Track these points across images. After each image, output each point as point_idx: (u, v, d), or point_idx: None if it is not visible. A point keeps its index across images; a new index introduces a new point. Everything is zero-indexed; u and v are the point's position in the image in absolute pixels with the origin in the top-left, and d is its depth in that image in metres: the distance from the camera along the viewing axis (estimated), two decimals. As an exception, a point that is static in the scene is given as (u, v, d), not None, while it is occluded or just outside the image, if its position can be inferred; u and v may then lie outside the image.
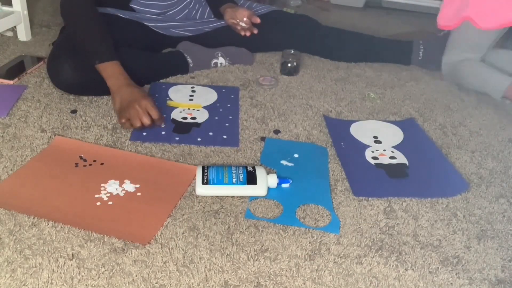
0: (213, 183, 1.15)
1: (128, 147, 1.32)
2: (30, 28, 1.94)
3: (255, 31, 1.80)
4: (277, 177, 1.19)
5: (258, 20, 1.79)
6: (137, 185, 1.17)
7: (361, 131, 1.47)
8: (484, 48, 1.79)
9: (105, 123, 1.41)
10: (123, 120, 1.35)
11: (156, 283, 0.92)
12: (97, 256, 0.97)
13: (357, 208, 1.16)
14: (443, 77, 1.84)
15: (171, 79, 1.70)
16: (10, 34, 1.94)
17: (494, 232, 1.12)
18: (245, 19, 1.79)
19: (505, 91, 1.66)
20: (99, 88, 1.52)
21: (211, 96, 1.60)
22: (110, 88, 1.41)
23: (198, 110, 1.52)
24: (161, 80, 1.68)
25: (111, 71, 1.42)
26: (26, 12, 1.90)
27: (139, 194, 1.15)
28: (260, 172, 1.18)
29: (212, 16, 1.87)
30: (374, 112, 1.59)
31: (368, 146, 1.40)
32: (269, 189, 1.18)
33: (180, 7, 1.80)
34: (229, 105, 1.56)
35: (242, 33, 1.80)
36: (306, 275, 0.97)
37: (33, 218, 1.05)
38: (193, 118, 1.47)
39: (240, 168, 1.19)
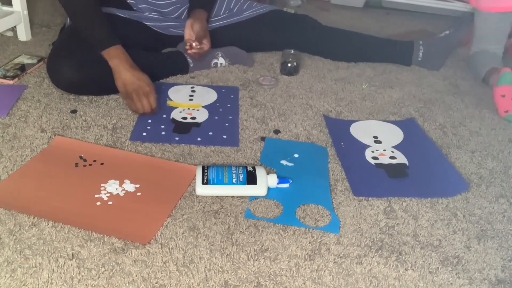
0: (213, 183, 1.15)
1: (128, 147, 1.32)
2: (30, 28, 1.94)
3: (202, 54, 1.69)
4: (277, 177, 1.19)
5: (207, 47, 1.67)
6: (137, 185, 1.17)
7: (361, 131, 1.47)
8: (503, 37, 1.85)
9: (105, 123, 1.41)
10: (133, 107, 1.44)
11: (156, 283, 0.92)
12: (97, 256, 0.97)
13: (357, 208, 1.16)
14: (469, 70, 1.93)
15: (171, 79, 1.70)
16: (10, 34, 1.94)
17: (494, 232, 1.12)
18: (201, 40, 1.65)
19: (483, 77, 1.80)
20: (99, 87, 1.53)
21: (211, 96, 1.60)
22: (113, 70, 1.44)
23: (198, 110, 1.52)
24: (161, 80, 1.68)
25: (113, 54, 1.45)
26: (26, 12, 1.90)
27: (139, 194, 1.15)
28: (260, 172, 1.18)
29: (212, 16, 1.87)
30: (374, 112, 1.59)
31: (368, 146, 1.40)
32: (269, 189, 1.18)
33: (179, 4, 1.79)
34: (229, 105, 1.56)
35: (189, 51, 1.67)
36: (306, 275, 0.97)
37: (33, 218, 1.05)
38: (193, 118, 1.47)
39: (240, 168, 1.19)
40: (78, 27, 1.53)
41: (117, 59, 1.45)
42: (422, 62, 1.92)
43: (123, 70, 1.43)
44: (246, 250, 1.01)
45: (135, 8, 1.72)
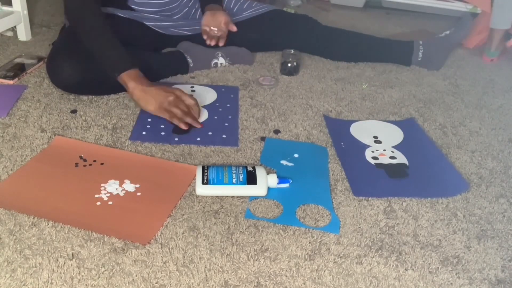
0: (213, 183, 1.15)
1: (128, 147, 1.32)
2: (30, 28, 1.94)
3: (221, 44, 1.77)
4: (277, 177, 1.19)
5: (234, 28, 1.78)
6: (137, 185, 1.17)
7: (361, 131, 1.47)
8: None
9: (105, 123, 1.41)
10: (183, 125, 1.36)
11: (156, 283, 0.92)
12: (97, 256, 0.97)
13: (357, 208, 1.16)
14: None
15: (171, 79, 1.70)
16: (10, 34, 1.94)
17: (494, 232, 1.12)
18: (222, 25, 1.76)
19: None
20: (99, 87, 1.53)
21: (211, 96, 1.60)
22: (133, 94, 1.37)
23: (198, 110, 1.52)
24: (161, 80, 1.68)
25: (129, 77, 1.38)
26: (26, 12, 1.90)
27: (139, 194, 1.15)
28: (260, 172, 1.18)
29: None
30: (374, 112, 1.59)
31: (368, 146, 1.40)
32: (269, 189, 1.18)
33: (179, 4, 1.79)
34: (228, 105, 1.56)
35: (208, 42, 1.75)
36: (306, 275, 0.97)
37: (33, 218, 1.05)
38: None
39: (240, 168, 1.19)
40: (92, 49, 1.44)
41: (135, 82, 1.36)
42: (422, 62, 1.92)
43: (148, 90, 1.36)
44: (246, 250, 1.01)
45: (134, 7, 1.71)
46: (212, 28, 1.78)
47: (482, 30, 2.12)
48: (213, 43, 1.77)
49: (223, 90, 1.65)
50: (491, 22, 2.01)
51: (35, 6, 2.26)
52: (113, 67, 1.40)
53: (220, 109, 1.53)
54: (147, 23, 1.73)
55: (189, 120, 1.38)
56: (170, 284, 0.92)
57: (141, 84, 1.37)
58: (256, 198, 1.16)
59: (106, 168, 1.22)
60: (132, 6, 1.71)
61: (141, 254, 0.98)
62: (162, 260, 0.97)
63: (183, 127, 1.37)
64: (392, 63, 1.94)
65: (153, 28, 1.74)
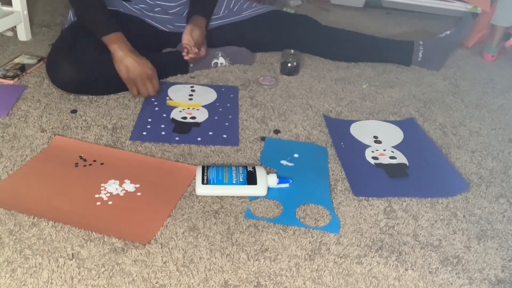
0: (213, 183, 1.15)
1: (128, 147, 1.32)
2: (30, 28, 1.94)
3: (186, 58, 1.66)
4: (277, 177, 1.19)
5: (203, 53, 1.69)
6: (137, 185, 1.17)
7: (361, 131, 1.47)
8: None
9: (105, 123, 1.41)
10: (135, 92, 1.50)
11: (156, 283, 0.92)
12: (97, 256, 0.97)
13: (357, 208, 1.16)
14: None
15: (171, 79, 1.70)
16: (10, 34, 1.94)
17: (494, 232, 1.12)
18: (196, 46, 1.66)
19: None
20: (99, 86, 1.53)
21: (211, 96, 1.60)
22: (113, 55, 1.48)
23: (197, 110, 1.52)
24: (161, 80, 1.67)
25: (114, 39, 1.48)
26: (26, 12, 1.90)
27: (139, 194, 1.15)
28: (260, 172, 1.18)
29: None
30: (374, 112, 1.59)
31: (368, 146, 1.40)
32: (269, 189, 1.18)
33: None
34: (228, 105, 1.56)
35: (185, 57, 1.66)
36: (306, 275, 0.97)
37: (33, 218, 1.05)
38: (193, 117, 1.47)
39: (240, 168, 1.19)
40: (81, 14, 1.58)
41: (117, 44, 1.47)
42: (422, 62, 1.92)
43: (125, 56, 1.46)
44: (246, 250, 1.01)
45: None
46: (193, 48, 1.67)
47: (482, 28, 2.13)
48: (190, 59, 1.68)
49: (223, 90, 1.64)
50: (493, 18, 2.02)
51: (35, 6, 2.26)
52: (99, 29, 1.51)
53: (220, 109, 1.53)
54: (145, 19, 1.72)
55: (151, 92, 1.51)
56: (170, 284, 0.92)
57: (121, 49, 1.47)
58: (256, 198, 1.16)
59: (106, 168, 1.22)
60: None
61: (141, 254, 0.98)
62: (162, 260, 0.97)
63: (135, 96, 1.53)
64: (392, 63, 1.94)
65: (152, 23, 1.74)
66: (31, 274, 0.92)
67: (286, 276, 0.96)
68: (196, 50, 1.66)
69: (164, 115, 1.47)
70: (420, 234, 1.10)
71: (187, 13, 1.78)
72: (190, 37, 1.65)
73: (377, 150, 1.38)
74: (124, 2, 1.70)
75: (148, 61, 1.50)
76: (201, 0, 1.77)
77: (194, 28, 1.66)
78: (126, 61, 1.47)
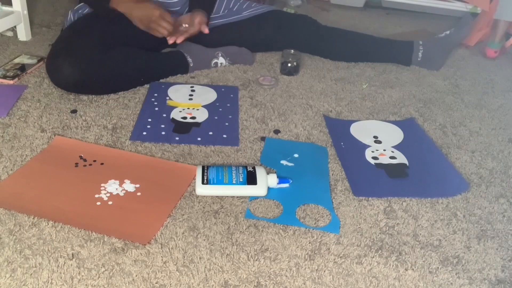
0: (213, 183, 1.15)
1: (128, 147, 1.32)
2: (30, 28, 1.94)
3: (178, 41, 1.63)
4: (277, 177, 1.19)
5: (206, 31, 1.69)
6: (137, 185, 1.17)
7: (361, 131, 1.47)
8: None
9: (105, 123, 1.41)
10: (163, 32, 1.61)
11: (156, 283, 0.92)
12: (97, 256, 0.97)
13: (357, 208, 1.16)
14: None
15: (171, 79, 1.70)
16: (10, 34, 1.94)
17: (494, 232, 1.12)
18: (195, 23, 1.67)
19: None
20: (99, 86, 1.53)
21: (211, 96, 1.60)
22: (125, 13, 1.60)
23: (197, 110, 1.52)
24: (161, 80, 1.68)
25: (118, 1, 1.59)
26: (26, 12, 1.90)
27: (139, 194, 1.15)
28: (260, 172, 1.18)
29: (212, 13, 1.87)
30: (374, 112, 1.59)
31: (368, 146, 1.40)
32: (269, 189, 1.18)
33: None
34: (228, 105, 1.56)
35: (169, 41, 1.64)
36: (306, 275, 0.97)
37: (33, 218, 1.05)
38: (193, 117, 1.47)
39: (240, 168, 1.19)
40: None
41: (123, 4, 1.59)
42: (422, 62, 1.92)
43: (132, 10, 1.59)
44: (246, 250, 1.01)
45: None
46: (184, 25, 1.70)
47: (483, 27, 2.13)
48: (171, 41, 1.63)
49: (222, 90, 1.64)
50: (496, 13, 2.02)
51: (35, 6, 2.26)
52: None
53: (220, 109, 1.53)
54: None
55: (165, 31, 1.61)
56: (170, 284, 0.92)
57: (126, 7, 1.59)
58: (256, 198, 1.16)
59: (106, 168, 1.22)
60: None
61: (141, 254, 0.98)
62: (162, 260, 0.97)
63: (165, 35, 1.62)
64: (392, 63, 1.94)
65: None
66: (31, 274, 0.92)
67: (286, 276, 0.96)
68: (186, 25, 1.71)
69: (164, 115, 1.47)
70: (420, 234, 1.10)
71: (187, 10, 1.78)
72: (185, 17, 1.72)
73: (377, 150, 1.38)
74: None
75: (152, 3, 1.60)
76: (201, 1, 1.78)
77: (192, 12, 1.73)
78: (135, 14, 1.59)
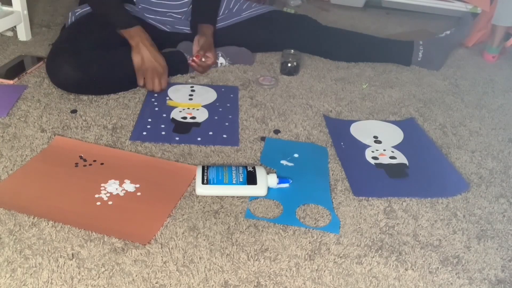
0: (213, 183, 1.15)
1: (128, 147, 1.32)
2: (30, 28, 1.94)
3: (205, 64, 1.71)
4: (277, 177, 1.19)
5: (210, 61, 1.73)
6: (137, 185, 1.17)
7: (361, 131, 1.47)
8: None
9: (105, 123, 1.41)
10: (141, 83, 1.56)
11: (156, 283, 0.92)
12: (97, 256, 0.97)
13: (357, 208, 1.16)
14: None
15: (171, 79, 1.69)
16: (10, 34, 1.94)
17: (494, 232, 1.12)
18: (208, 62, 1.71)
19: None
20: (99, 87, 1.53)
21: (211, 96, 1.60)
22: (133, 47, 1.54)
23: (197, 110, 1.52)
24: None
25: (135, 33, 1.56)
26: (26, 12, 1.90)
27: (139, 194, 1.15)
28: (260, 172, 1.18)
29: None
30: (374, 112, 1.59)
31: (368, 146, 1.40)
32: (269, 189, 1.18)
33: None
34: (228, 105, 1.56)
35: (192, 64, 1.71)
36: (306, 275, 0.97)
37: (33, 218, 1.05)
38: (193, 117, 1.47)
39: (240, 168, 1.19)
40: (98, 6, 1.61)
41: (138, 37, 1.55)
42: (422, 62, 1.92)
43: (144, 47, 1.53)
44: (246, 250, 1.01)
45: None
46: (202, 59, 1.71)
47: (482, 28, 2.13)
48: (197, 68, 1.72)
49: (222, 90, 1.65)
50: (493, 18, 2.01)
51: (35, 6, 2.26)
52: (120, 22, 1.57)
53: (220, 109, 1.53)
54: (148, 20, 1.72)
55: (156, 88, 1.57)
56: (170, 284, 0.92)
57: (143, 42, 1.55)
58: (256, 198, 1.16)
59: (106, 168, 1.22)
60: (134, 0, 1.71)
61: (141, 254, 0.98)
62: (162, 260, 0.97)
63: (141, 86, 1.58)
64: (392, 63, 1.94)
65: (154, 24, 1.74)
66: (31, 274, 0.92)
67: (286, 276, 0.96)
68: (203, 59, 1.70)
69: (164, 115, 1.47)
70: (420, 234, 1.10)
71: (191, 21, 1.79)
72: (198, 47, 1.71)
73: (377, 150, 1.38)
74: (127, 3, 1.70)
75: (163, 59, 1.57)
76: (203, 7, 1.78)
77: (201, 37, 1.73)
78: (144, 52, 1.53)
